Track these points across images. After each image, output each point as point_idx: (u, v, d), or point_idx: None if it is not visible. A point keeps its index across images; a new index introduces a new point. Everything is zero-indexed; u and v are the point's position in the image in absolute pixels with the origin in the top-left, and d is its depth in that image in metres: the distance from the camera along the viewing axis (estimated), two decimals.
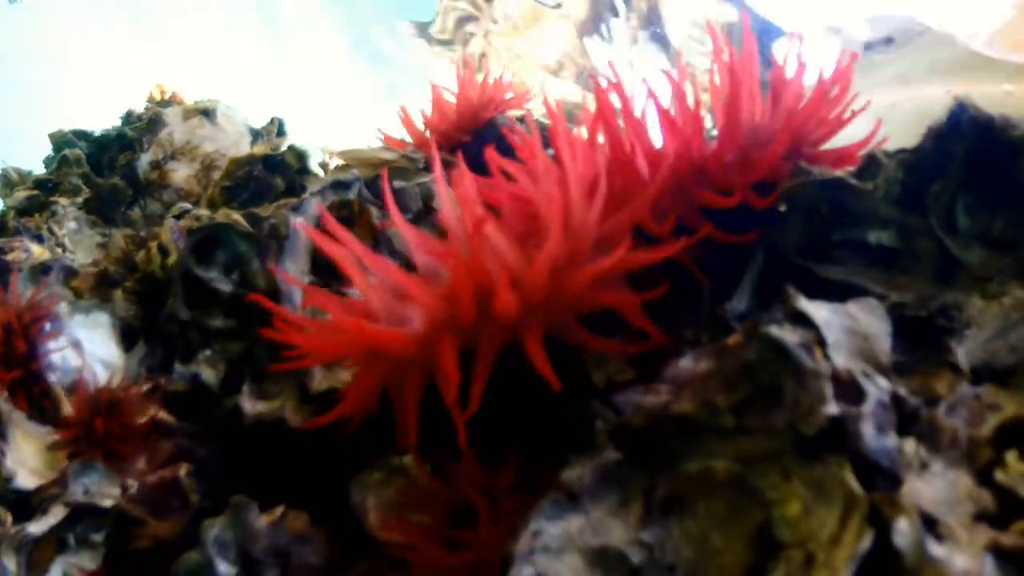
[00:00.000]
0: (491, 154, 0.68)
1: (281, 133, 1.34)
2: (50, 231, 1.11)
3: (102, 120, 1.38)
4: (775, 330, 0.57)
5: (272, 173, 1.10)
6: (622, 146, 0.70)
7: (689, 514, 0.60)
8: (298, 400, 0.78)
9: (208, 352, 0.85)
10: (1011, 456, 0.57)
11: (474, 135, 1.05)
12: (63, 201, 1.19)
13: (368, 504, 0.70)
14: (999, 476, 0.56)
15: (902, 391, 0.59)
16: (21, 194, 1.27)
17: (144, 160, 1.25)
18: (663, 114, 0.69)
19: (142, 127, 1.31)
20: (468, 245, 0.59)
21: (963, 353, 0.64)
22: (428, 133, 1.12)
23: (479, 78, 1.13)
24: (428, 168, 1.02)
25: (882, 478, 0.55)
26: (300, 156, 1.11)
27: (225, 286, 0.85)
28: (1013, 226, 0.70)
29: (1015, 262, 0.70)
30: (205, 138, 1.24)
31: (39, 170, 1.38)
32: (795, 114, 0.70)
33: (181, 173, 1.23)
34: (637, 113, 0.72)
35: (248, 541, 0.62)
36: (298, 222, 0.81)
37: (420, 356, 0.61)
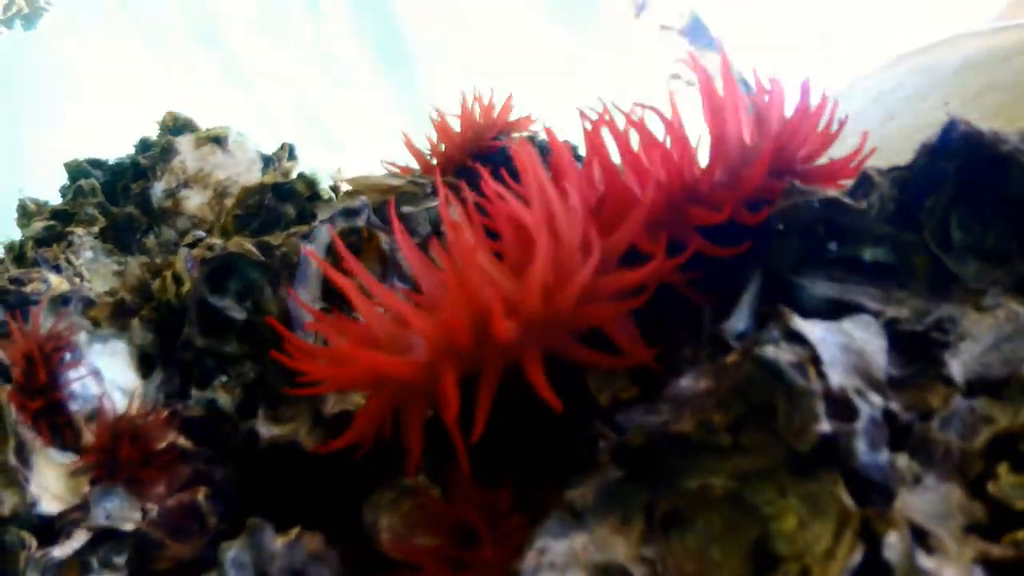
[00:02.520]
0: (487, 179, 0.72)
1: (292, 158, 1.38)
2: (68, 261, 1.15)
3: (118, 146, 1.42)
4: (768, 351, 0.60)
5: (283, 201, 1.14)
6: (616, 170, 0.74)
7: (689, 530, 0.63)
8: (311, 424, 0.81)
9: (224, 378, 0.89)
10: (1003, 468, 0.59)
11: (481, 159, 1.08)
12: (79, 231, 1.23)
13: (380, 524, 0.73)
14: (991, 488, 0.58)
15: (895, 407, 0.62)
16: (38, 224, 1.32)
17: (158, 189, 1.30)
18: (652, 139, 0.73)
19: (155, 156, 1.35)
20: (461, 273, 0.62)
21: (957, 366, 0.66)
22: (433, 160, 1.16)
23: (484, 101, 1.16)
24: (435, 193, 1.05)
25: (875, 492, 0.57)
26: (310, 184, 1.14)
27: (238, 314, 0.89)
28: (1006, 238, 0.72)
29: (1009, 274, 0.72)
30: (217, 165, 1.28)
31: (55, 198, 1.43)
32: (779, 131, 0.73)
33: (194, 201, 1.27)
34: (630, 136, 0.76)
35: (265, 562, 0.65)
36: (308, 249, 0.85)
37: (424, 382, 0.65)
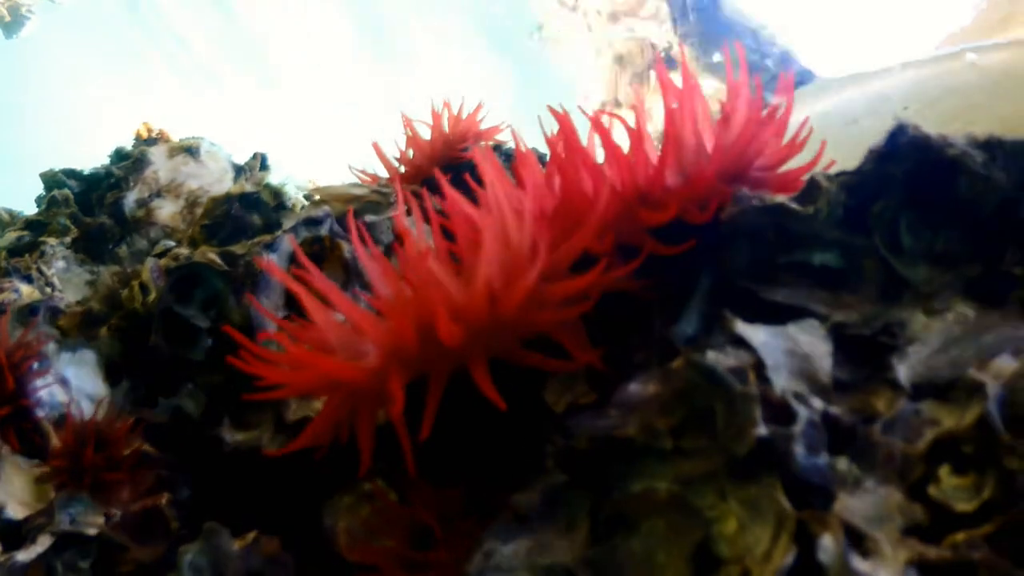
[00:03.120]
0: (445, 187, 0.72)
1: (264, 168, 1.39)
2: (39, 271, 1.16)
3: (95, 156, 1.44)
4: (708, 357, 0.60)
5: (249, 211, 1.14)
6: (573, 176, 0.74)
7: (633, 533, 0.63)
8: (274, 430, 0.82)
9: (190, 385, 0.90)
10: (944, 471, 0.59)
11: (448, 168, 1.08)
12: (52, 241, 1.24)
13: (339, 528, 0.74)
14: (932, 491, 0.58)
15: (837, 411, 0.62)
16: (12, 235, 1.33)
17: (130, 199, 1.31)
18: (608, 143, 0.73)
19: (128, 166, 1.36)
20: (411, 278, 0.63)
21: (904, 370, 0.66)
22: (402, 168, 1.16)
23: (454, 110, 1.17)
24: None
25: (814, 496, 0.57)
26: (276, 194, 1.15)
27: (204, 322, 0.90)
28: (956, 242, 0.72)
29: (959, 278, 0.72)
30: (189, 175, 1.29)
31: (30, 209, 1.44)
32: (735, 136, 0.73)
33: (166, 210, 1.28)
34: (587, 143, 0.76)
35: (222, 565, 0.66)
36: (265, 260, 0.86)
37: (375, 387, 0.65)
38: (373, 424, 0.66)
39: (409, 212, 1.02)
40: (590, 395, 0.75)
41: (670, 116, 0.75)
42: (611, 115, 0.75)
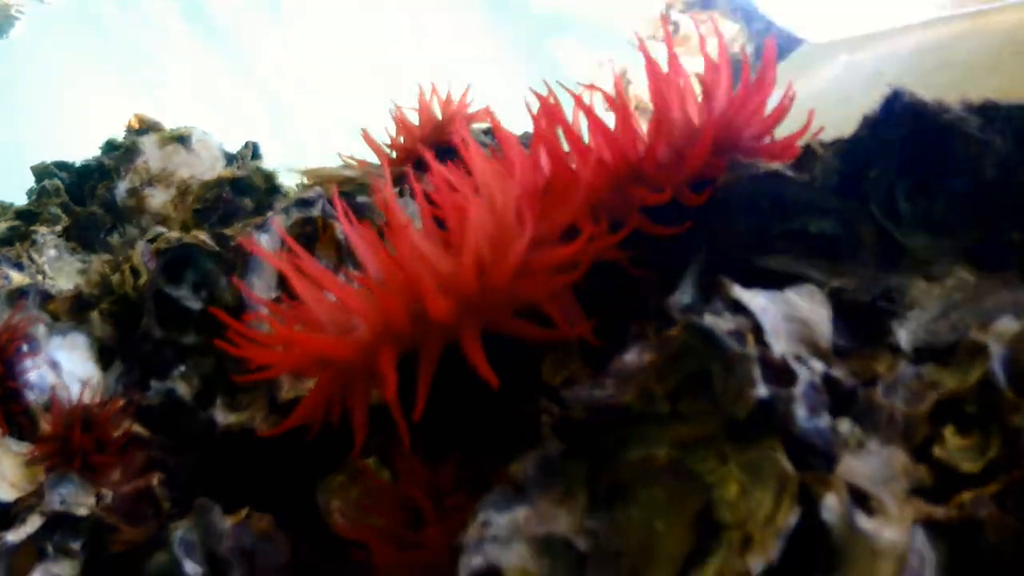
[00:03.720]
0: (435, 165, 0.70)
1: (256, 156, 1.37)
2: (30, 259, 1.14)
3: (87, 151, 1.42)
4: (705, 319, 0.58)
5: (241, 195, 1.13)
6: (561, 153, 0.72)
7: (632, 501, 0.61)
8: (267, 410, 0.80)
9: (182, 368, 0.88)
10: (949, 431, 0.57)
11: (439, 151, 1.07)
12: (43, 230, 1.22)
13: (332, 506, 0.72)
14: (937, 451, 0.56)
15: (837, 373, 0.60)
16: (2, 225, 1.30)
17: (122, 188, 1.29)
18: (595, 120, 0.71)
19: (119, 156, 1.34)
20: (397, 253, 0.61)
21: (905, 334, 0.64)
22: (393, 154, 1.15)
23: (442, 95, 1.16)
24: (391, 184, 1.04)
25: (816, 458, 0.55)
26: (268, 177, 1.13)
27: (195, 304, 0.88)
28: (954, 209, 0.70)
29: (957, 245, 0.70)
30: (181, 164, 1.27)
31: (21, 202, 1.42)
32: (723, 109, 0.72)
33: (158, 199, 1.26)
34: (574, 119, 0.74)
35: (213, 541, 0.64)
36: (252, 240, 0.84)
37: (365, 363, 0.63)
38: (366, 401, 0.63)
39: (401, 194, 1.00)
40: (584, 371, 0.73)
41: (657, 91, 0.73)
42: (591, 88, 0.73)
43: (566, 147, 0.74)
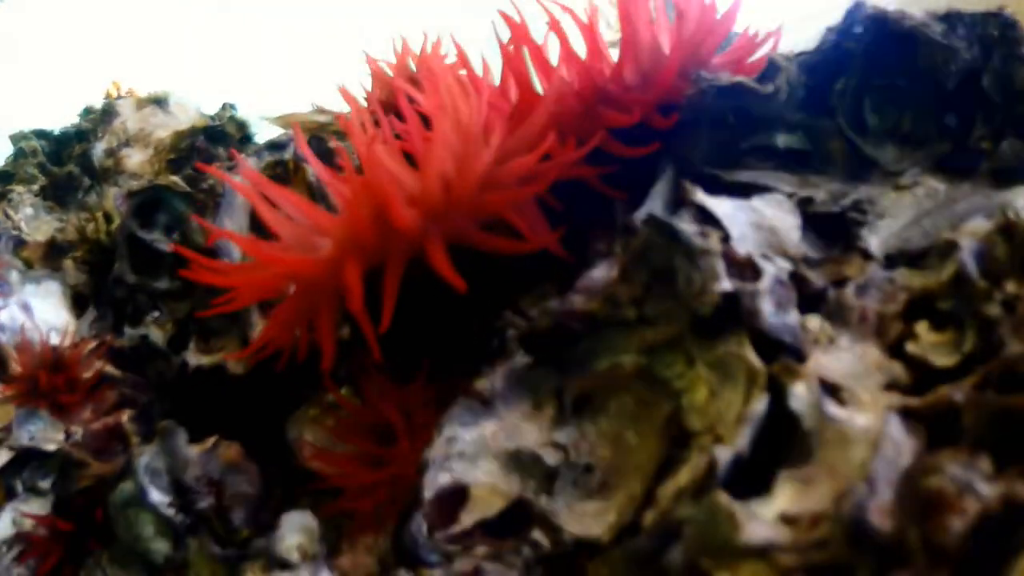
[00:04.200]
0: (403, 100, 0.67)
1: (233, 119, 1.34)
2: (6, 215, 1.11)
3: (62, 120, 1.39)
4: (664, 216, 0.55)
5: (214, 143, 1.09)
6: (528, 79, 0.69)
7: (602, 413, 0.57)
8: (239, 349, 0.76)
9: (156, 313, 0.84)
10: (922, 327, 0.53)
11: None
12: (19, 189, 1.18)
13: (304, 439, 0.68)
14: (910, 347, 0.52)
15: (805, 271, 0.56)
16: None
17: (99, 149, 1.25)
18: (563, 41, 0.68)
19: (96, 118, 1.30)
20: (362, 167, 0.57)
21: (876, 241, 0.60)
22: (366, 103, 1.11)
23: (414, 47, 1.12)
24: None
25: (785, 353, 0.51)
26: (241, 126, 1.10)
27: (166, 246, 0.84)
28: (922, 120, 0.67)
29: (927, 155, 0.67)
30: (158, 125, 1.24)
31: None
32: (691, 32, 0.68)
33: (135, 159, 1.22)
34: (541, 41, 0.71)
35: (179, 469, 0.60)
36: (225, 176, 0.80)
37: (331, 280, 0.59)
38: (334, 318, 0.59)
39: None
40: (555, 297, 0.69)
41: (625, 14, 0.69)
42: (564, 8, 0.69)
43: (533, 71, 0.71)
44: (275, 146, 0.88)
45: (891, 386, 0.50)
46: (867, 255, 0.61)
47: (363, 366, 0.64)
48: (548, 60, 0.68)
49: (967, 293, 0.52)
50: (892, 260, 0.60)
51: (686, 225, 0.54)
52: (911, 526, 0.39)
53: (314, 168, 0.59)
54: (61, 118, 1.40)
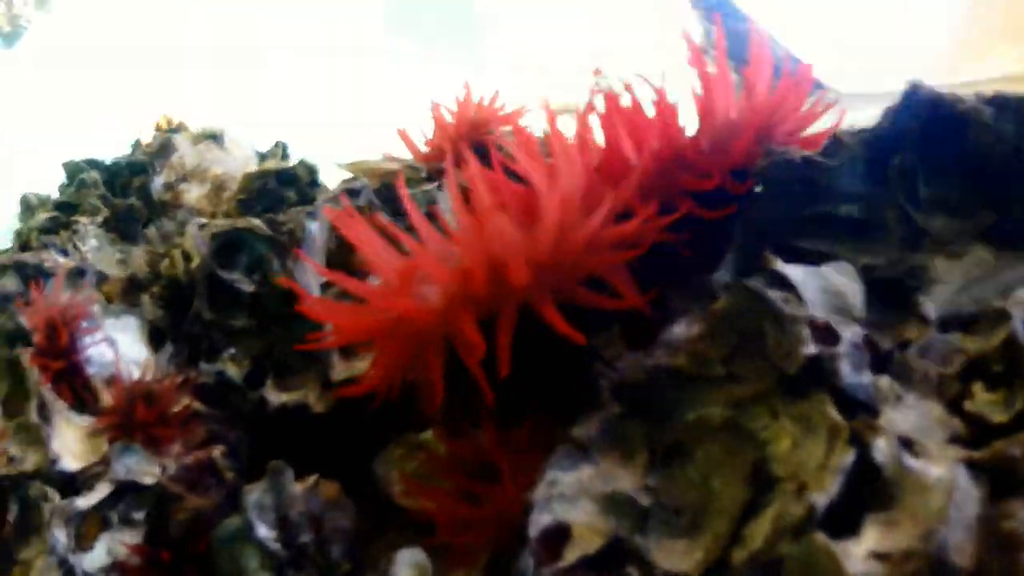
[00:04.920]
0: (495, 152, 0.76)
1: (285, 156, 1.42)
2: (74, 246, 1.18)
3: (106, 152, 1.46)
4: (753, 281, 0.64)
5: (284, 186, 1.18)
6: (614, 138, 0.79)
7: (689, 460, 0.67)
8: (320, 389, 0.84)
9: (232, 350, 0.92)
10: (978, 387, 0.63)
11: (473, 150, 1.13)
12: (84, 220, 1.25)
13: (392, 477, 0.76)
14: (968, 406, 0.62)
15: (874, 335, 0.67)
16: (43, 215, 1.34)
17: (158, 182, 1.33)
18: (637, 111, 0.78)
19: (153, 152, 1.39)
20: (477, 226, 0.66)
21: (931, 306, 0.71)
22: (425, 149, 1.20)
23: (476, 96, 1.22)
24: (430, 178, 1.10)
25: (861, 411, 0.61)
26: (310, 170, 1.18)
27: (247, 286, 0.92)
28: (970, 193, 0.78)
29: (974, 225, 0.77)
30: (214, 161, 1.32)
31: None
32: (763, 105, 0.79)
33: (193, 194, 1.30)
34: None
35: (285, 505, 0.68)
36: (311, 226, 0.88)
37: (440, 328, 0.68)
38: (442, 362, 0.68)
39: (440, 187, 1.06)
40: (626, 350, 0.78)
41: (704, 82, 0.79)
42: (646, 80, 0.79)
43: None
44: (350, 192, 0.96)
45: (953, 439, 0.61)
46: (924, 319, 0.71)
47: (453, 409, 0.72)
48: (638, 123, 0.78)
49: (1017, 357, 0.63)
50: (946, 324, 0.70)
51: (774, 293, 0.64)
52: (992, 560, 0.49)
53: (421, 229, 0.68)
54: (102, 148, 1.47)
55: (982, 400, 0.63)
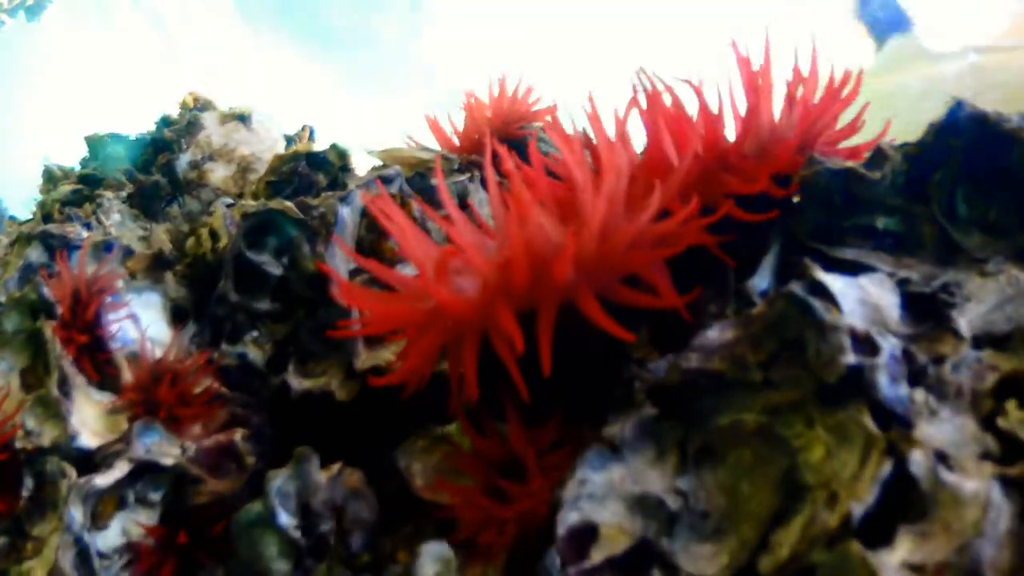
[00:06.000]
0: (534, 151, 0.78)
1: (311, 140, 1.44)
2: (98, 220, 1.19)
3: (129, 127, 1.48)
4: (798, 289, 0.66)
5: (315, 170, 1.19)
6: (658, 140, 0.80)
7: (720, 464, 0.69)
8: (344, 377, 0.86)
9: (255, 333, 0.93)
10: (1011, 405, 0.65)
11: (505, 143, 1.14)
12: (108, 194, 1.27)
13: (414, 469, 0.78)
14: (1001, 422, 0.64)
15: (912, 348, 0.68)
16: (66, 187, 1.35)
17: (183, 160, 1.34)
18: (678, 107, 0.80)
19: (180, 129, 1.40)
20: (519, 222, 0.68)
21: (964, 323, 0.73)
22: (455, 140, 1.22)
23: (509, 90, 1.23)
24: (461, 169, 1.11)
25: (896, 423, 0.63)
26: (342, 155, 1.20)
27: (275, 269, 0.93)
28: (1008, 213, 0.79)
29: (1010, 245, 0.79)
30: (241, 142, 1.33)
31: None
32: (808, 113, 0.81)
33: (219, 174, 1.31)
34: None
35: (308, 493, 0.69)
36: (343, 211, 0.89)
37: (477, 320, 0.69)
38: (476, 354, 0.69)
39: (471, 179, 1.07)
40: (654, 353, 0.80)
41: (750, 87, 0.81)
42: (690, 83, 0.81)
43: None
44: (382, 179, 0.97)
45: (985, 455, 0.63)
46: (957, 335, 0.73)
47: (481, 402, 0.74)
48: (683, 125, 0.80)
49: None
50: (978, 341, 0.72)
51: (816, 302, 0.66)
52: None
53: (456, 221, 0.69)
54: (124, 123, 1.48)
55: (1015, 418, 0.65)
